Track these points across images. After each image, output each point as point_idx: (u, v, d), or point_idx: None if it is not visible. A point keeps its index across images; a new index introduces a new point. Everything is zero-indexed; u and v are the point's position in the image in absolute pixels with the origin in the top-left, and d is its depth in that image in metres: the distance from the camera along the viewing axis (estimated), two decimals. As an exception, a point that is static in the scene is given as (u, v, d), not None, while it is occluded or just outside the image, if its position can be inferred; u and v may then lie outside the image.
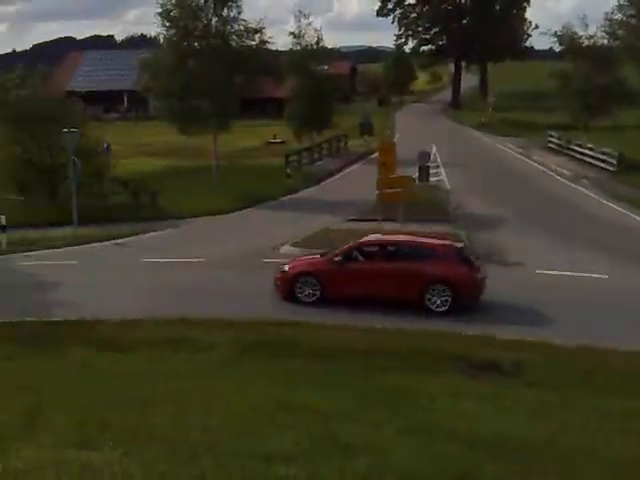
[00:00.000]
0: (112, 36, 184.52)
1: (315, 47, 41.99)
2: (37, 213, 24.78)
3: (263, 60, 33.68)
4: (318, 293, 14.86)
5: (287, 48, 43.27)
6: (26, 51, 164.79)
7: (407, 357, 11.27)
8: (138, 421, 6.40)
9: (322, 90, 41.06)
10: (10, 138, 26.23)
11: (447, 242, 15.66)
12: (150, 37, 76.90)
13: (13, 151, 26.20)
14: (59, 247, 21.00)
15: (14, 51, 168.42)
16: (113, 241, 21.94)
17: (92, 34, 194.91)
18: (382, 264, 14.73)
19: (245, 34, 33.51)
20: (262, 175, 33.30)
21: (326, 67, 43.25)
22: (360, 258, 15.19)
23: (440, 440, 6.57)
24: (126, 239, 22.27)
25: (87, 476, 4.50)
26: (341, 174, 37.49)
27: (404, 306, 14.26)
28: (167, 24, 33.06)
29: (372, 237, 15.97)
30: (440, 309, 14.28)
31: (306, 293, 14.94)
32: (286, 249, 20.13)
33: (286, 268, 15.42)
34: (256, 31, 33.35)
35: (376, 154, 26.63)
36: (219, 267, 18.36)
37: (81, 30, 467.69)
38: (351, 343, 12.07)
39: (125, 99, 75.86)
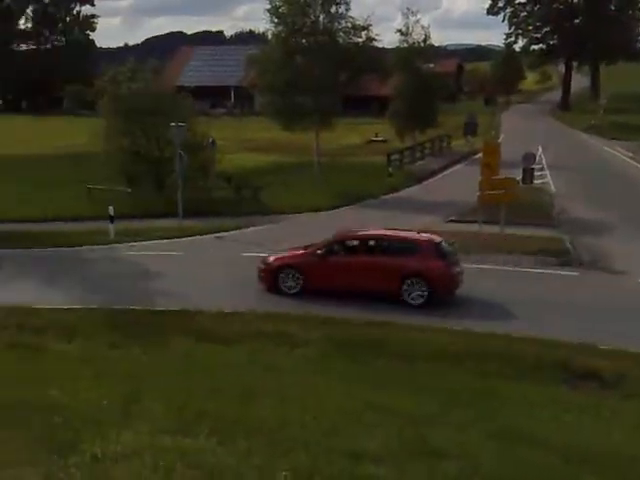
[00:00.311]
0: (221, 32, 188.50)
1: (422, 45, 41.54)
2: (144, 205, 25.53)
3: (369, 57, 33.59)
4: (300, 285, 15.29)
5: (394, 45, 43.11)
6: (138, 45, 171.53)
7: (503, 362, 10.99)
8: (236, 412, 6.51)
9: (427, 88, 40.55)
10: (120, 130, 26.87)
11: (425, 237, 15.80)
12: (258, 33, 78.23)
13: (122, 143, 26.88)
14: (164, 238, 21.68)
15: (126, 45, 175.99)
16: (215, 234, 22.48)
17: (202, 29, 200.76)
18: (362, 258, 15.11)
19: (352, 31, 33.54)
20: (363, 173, 33.26)
21: (432, 65, 42.72)
22: (341, 252, 15.56)
23: (534, 448, 6.38)
24: (228, 233, 22.77)
25: (183, 463, 4.61)
26: (443, 174, 36.95)
27: (384, 299, 14.54)
28: (275, 20, 33.51)
29: (352, 231, 16.31)
30: (416, 302, 14.58)
31: (288, 285, 15.37)
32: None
33: (270, 260, 15.81)
34: (363, 28, 33.32)
35: (480, 155, 26.06)
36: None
37: (191, 25, 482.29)
38: (440, 345, 11.90)
39: (232, 95, 77.42)
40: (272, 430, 5.94)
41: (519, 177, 24.66)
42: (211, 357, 10.86)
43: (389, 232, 16.27)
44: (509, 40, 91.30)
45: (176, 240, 21.48)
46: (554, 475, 5.71)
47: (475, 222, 19.91)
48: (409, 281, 14.63)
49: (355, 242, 15.63)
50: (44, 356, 10.82)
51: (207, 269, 18.25)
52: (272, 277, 15.57)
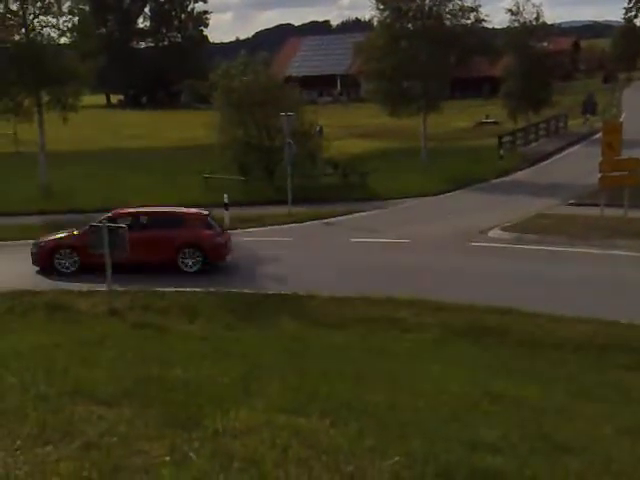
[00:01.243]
0: (328, 21, 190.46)
1: (534, 24, 40.08)
2: (256, 192, 26.22)
3: (478, 39, 32.79)
4: (77, 264, 16.29)
5: (504, 26, 41.86)
6: (248, 39, 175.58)
7: (626, 352, 10.36)
8: (347, 395, 6.50)
9: (540, 68, 39.11)
10: (233, 122, 27.74)
11: (195, 211, 17.45)
12: (364, 21, 78.21)
13: (235, 134, 27.74)
14: (275, 224, 22.09)
15: (237, 39, 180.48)
16: (324, 220, 22.66)
17: (309, 20, 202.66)
18: (138, 233, 15.69)
19: (460, 13, 32.82)
20: (473, 157, 32.52)
21: (545, 44, 41.14)
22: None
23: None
24: (337, 218, 22.90)
25: (297, 441, 4.64)
26: (559, 156, 35.52)
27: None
28: (381, 7, 33.33)
29: (124, 209, 17.22)
30: (192, 269, 16.22)
31: (66, 264, 16.41)
32: (495, 233, 19.50)
33: (44, 242, 16.73)
34: (472, 9, 32.57)
35: (599, 134, 24.84)
36: (425, 249, 18.25)
37: (299, 16, 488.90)
38: (563, 334, 11.35)
39: (338, 83, 77.94)
40: (383, 414, 5.87)
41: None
42: (322, 340, 10.93)
43: (159, 208, 17.71)
44: (629, 15, 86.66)
45: (286, 226, 21.84)
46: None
47: (596, 205, 18.98)
48: (185, 250, 16.23)
49: (128, 219, 16.31)
50: (168, 336, 11.28)
51: (317, 254, 18.41)
52: (48, 257, 16.48)
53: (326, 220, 22.68)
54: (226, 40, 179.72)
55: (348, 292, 14.18)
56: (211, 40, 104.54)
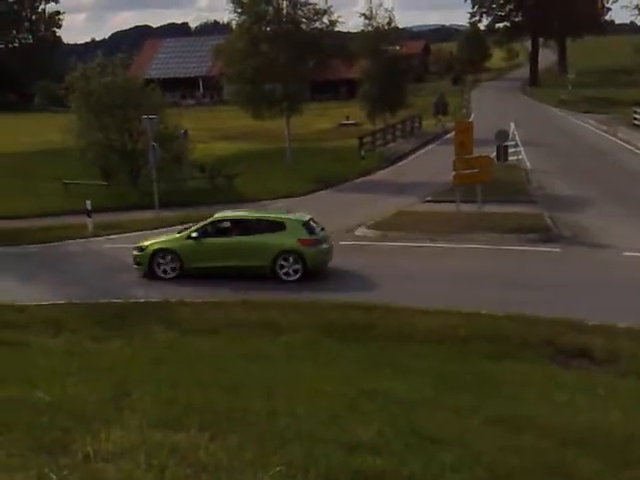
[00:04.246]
0: (186, 23, 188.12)
1: (387, 28, 41.45)
2: (120, 198, 25.46)
3: (334, 42, 33.51)
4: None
5: (359, 29, 42.98)
6: (105, 40, 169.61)
7: (489, 342, 10.90)
8: (225, 404, 6.38)
9: (394, 70, 40.54)
10: (93, 125, 26.81)
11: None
12: (223, 23, 77.74)
13: (96, 138, 26.76)
14: (141, 230, 21.43)
15: (93, 40, 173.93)
16: (193, 224, 22.22)
17: (167, 22, 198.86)
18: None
19: (314, 16, 33.44)
20: (336, 157, 33.20)
21: (398, 47, 42.67)
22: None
23: (531, 432, 6.29)
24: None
25: (175, 460, 4.50)
26: (416, 155, 36.99)
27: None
28: (239, 10, 33.36)
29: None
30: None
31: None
32: (362, 231, 19.99)
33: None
34: (324, 12, 33.23)
35: (452, 134, 26.08)
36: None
37: (157, 18, 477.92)
38: (427, 326, 11.76)
39: (200, 85, 77.11)
40: (263, 423, 5.82)
41: (493, 155, 24.71)
42: (196, 348, 10.73)
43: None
44: (473, 19, 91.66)
45: (154, 231, 21.24)
46: (551, 459, 5.62)
47: (452, 202, 19.91)
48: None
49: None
50: (29, 352, 10.62)
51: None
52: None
53: (196, 224, 22.25)
54: (81, 41, 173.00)
55: (220, 297, 14.03)
56: (65, 41, 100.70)
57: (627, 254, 16.35)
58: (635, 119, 41.49)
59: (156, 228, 21.48)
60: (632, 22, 50.49)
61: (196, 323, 12.52)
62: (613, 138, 38.77)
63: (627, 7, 42.89)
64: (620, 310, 12.32)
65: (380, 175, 31.46)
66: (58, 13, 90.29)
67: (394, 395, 7.55)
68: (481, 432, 6.27)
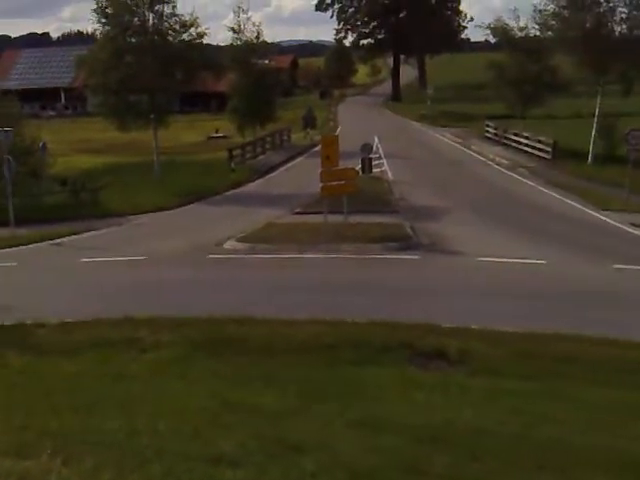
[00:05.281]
0: (47, 33, 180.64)
1: (255, 42, 41.79)
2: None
3: (202, 54, 33.40)
4: None
5: (227, 43, 43.06)
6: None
7: (352, 348, 11.15)
8: (81, 427, 6.17)
9: (263, 84, 40.89)
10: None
11: None
12: (87, 34, 75.27)
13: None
14: (-5, 249, 20.32)
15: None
16: (52, 241, 21.34)
17: (27, 32, 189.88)
18: None
19: (181, 28, 33.20)
20: (205, 170, 32.99)
21: (267, 61, 43.10)
22: None
23: (388, 432, 6.53)
24: (67, 238, 21.70)
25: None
26: (285, 167, 37.42)
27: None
28: (103, 20, 32.58)
29: None
30: None
31: None
32: (230, 244, 19.93)
33: None
34: (191, 25, 33.07)
35: (319, 147, 26.61)
36: (163, 265, 18.05)
37: (16, 28, 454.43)
38: (295, 337, 11.86)
39: (62, 96, 74.39)
40: (122, 443, 5.67)
41: (358, 167, 25.42)
42: (52, 371, 10.23)
43: None
44: (339, 36, 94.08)
45: (8, 250, 20.19)
46: (407, 456, 5.84)
47: (320, 213, 20.28)
48: None
49: None
50: None
51: (46, 278, 17.26)
52: None
53: (55, 241, 21.36)
54: None
55: (81, 316, 13.48)
56: None
57: (480, 259, 17.30)
58: (487, 132, 44.18)
59: (11, 246, 20.52)
60: (486, 40, 54.21)
61: (56, 345, 11.95)
62: (468, 150, 41.00)
63: (480, 27, 45.89)
64: (474, 312, 13.00)
65: (250, 187, 31.56)
66: None
67: (260, 406, 7.58)
68: (343, 435, 6.42)
